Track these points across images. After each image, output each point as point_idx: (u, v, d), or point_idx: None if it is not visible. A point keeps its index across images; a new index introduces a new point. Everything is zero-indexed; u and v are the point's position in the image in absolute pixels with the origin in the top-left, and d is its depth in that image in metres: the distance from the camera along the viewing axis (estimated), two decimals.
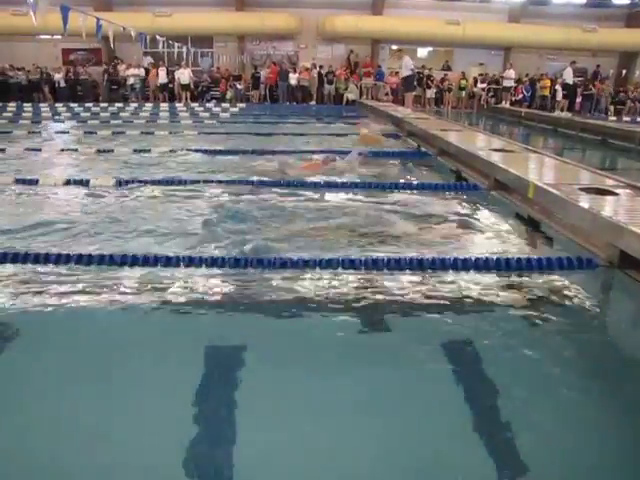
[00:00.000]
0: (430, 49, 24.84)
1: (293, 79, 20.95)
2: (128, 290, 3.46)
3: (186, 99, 20.31)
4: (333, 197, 5.82)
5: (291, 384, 2.47)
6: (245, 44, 23.48)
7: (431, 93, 22.17)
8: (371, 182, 6.44)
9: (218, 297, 3.43)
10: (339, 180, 6.48)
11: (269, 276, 3.61)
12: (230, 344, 2.82)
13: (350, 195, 5.88)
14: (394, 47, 23.28)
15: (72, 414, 2.24)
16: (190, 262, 3.81)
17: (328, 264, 3.73)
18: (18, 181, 6.34)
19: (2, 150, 9.04)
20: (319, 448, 2.08)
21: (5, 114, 15.86)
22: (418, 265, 3.74)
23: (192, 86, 20.79)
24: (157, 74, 20.63)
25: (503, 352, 2.79)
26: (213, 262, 3.79)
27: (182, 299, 3.32)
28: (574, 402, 2.38)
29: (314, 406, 2.31)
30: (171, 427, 2.16)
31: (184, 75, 20.37)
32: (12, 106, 17.87)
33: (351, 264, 3.72)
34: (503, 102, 21.25)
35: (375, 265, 3.73)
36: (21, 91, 20.52)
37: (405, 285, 3.53)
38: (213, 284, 3.56)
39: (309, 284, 3.53)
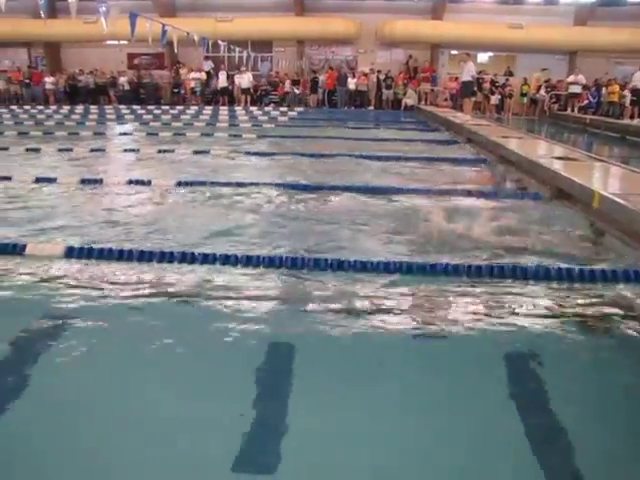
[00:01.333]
0: (491, 54, 24.37)
1: (351, 84, 20.96)
2: (185, 287, 3.52)
3: (245, 103, 20.62)
4: (392, 201, 5.78)
5: (340, 387, 2.45)
6: (304, 49, 23.66)
7: (495, 99, 21.59)
8: (429, 188, 6.36)
9: (275, 296, 3.44)
10: (397, 185, 6.43)
11: (326, 277, 3.60)
12: (284, 343, 2.82)
13: (409, 200, 5.82)
14: (454, 52, 22.97)
15: (143, 411, 2.29)
16: (248, 261, 3.85)
17: (385, 267, 3.69)
18: (84, 181, 6.57)
19: (70, 150, 9.41)
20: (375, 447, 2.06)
21: (73, 116, 16.51)
22: (476, 273, 3.66)
23: (252, 90, 21.10)
24: (217, 78, 21.04)
25: (564, 366, 2.68)
26: (270, 261, 3.83)
27: (240, 297, 3.34)
28: None
29: (360, 410, 2.29)
30: (224, 424, 2.17)
31: (244, 79, 20.68)
32: (80, 109, 18.60)
33: (409, 269, 3.67)
34: (569, 109, 20.41)
35: (433, 271, 3.67)
36: (88, 94, 21.33)
37: (463, 293, 3.45)
38: (270, 284, 3.59)
39: (365, 286, 3.50)
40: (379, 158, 8.37)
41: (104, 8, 10.03)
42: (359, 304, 3.26)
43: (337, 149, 9.36)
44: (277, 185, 6.31)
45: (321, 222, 5.01)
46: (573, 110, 20.20)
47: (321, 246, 4.31)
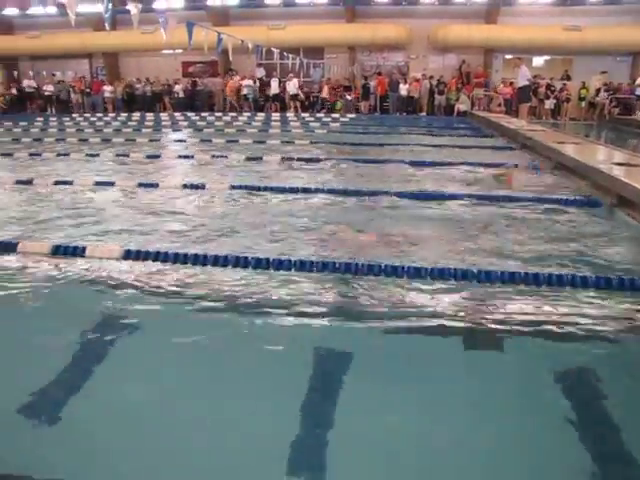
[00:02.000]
0: (547, 57, 23.77)
1: (403, 90, 20.84)
2: (239, 291, 3.55)
3: (295, 109, 20.78)
4: (446, 207, 5.70)
5: (393, 389, 2.42)
6: (355, 55, 23.69)
7: (550, 104, 21.00)
8: (484, 194, 6.24)
9: (328, 301, 3.43)
10: (450, 191, 6.34)
11: (378, 282, 3.57)
12: (335, 350, 2.82)
13: (463, 206, 5.73)
14: (508, 56, 22.52)
15: (206, 412, 2.32)
16: (302, 266, 3.85)
17: (440, 274, 3.64)
18: (140, 185, 6.74)
19: (126, 156, 9.69)
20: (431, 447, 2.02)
21: (130, 123, 17.00)
22: (534, 280, 3.56)
23: (301, 96, 21.23)
24: (269, 84, 21.29)
25: (623, 381, 2.58)
26: (324, 266, 3.82)
27: (294, 302, 3.36)
28: None
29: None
30: (279, 426, 2.17)
31: (290, 85, 20.85)
32: (136, 116, 19.15)
33: (463, 275, 3.60)
34: (635, 113, 19.50)
35: (488, 278, 3.59)
36: (144, 102, 21.94)
37: (519, 301, 3.36)
38: (323, 288, 3.58)
39: (419, 293, 3.45)
40: (432, 164, 8.28)
41: (163, 19, 10.36)
42: (412, 310, 3.22)
43: (389, 155, 9.31)
44: (329, 191, 6.31)
45: (374, 228, 4.99)
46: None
47: (374, 252, 4.29)
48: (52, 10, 21.08)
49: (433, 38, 22.31)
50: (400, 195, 6.08)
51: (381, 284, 3.57)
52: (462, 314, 3.20)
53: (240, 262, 3.98)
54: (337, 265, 3.82)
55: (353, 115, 19.25)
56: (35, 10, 21.80)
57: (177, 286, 3.67)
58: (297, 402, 2.31)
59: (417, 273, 3.66)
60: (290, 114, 19.42)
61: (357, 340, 2.92)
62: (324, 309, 3.29)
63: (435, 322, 3.07)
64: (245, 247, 4.39)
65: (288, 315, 3.19)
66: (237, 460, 2.02)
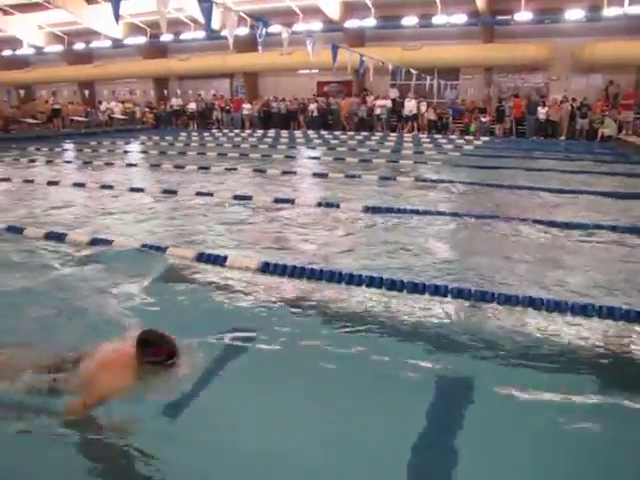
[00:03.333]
0: None
1: (542, 113, 19.90)
2: (368, 310, 3.56)
3: (417, 129, 20.47)
4: (585, 238, 5.34)
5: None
6: (492, 76, 23.05)
7: None
8: (631, 226, 5.75)
9: (438, 324, 3.37)
10: (589, 221, 5.92)
11: (491, 309, 3.52)
12: (448, 372, 2.76)
13: (603, 237, 5.34)
14: None
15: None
16: (414, 288, 3.84)
17: (556, 306, 3.49)
18: (277, 200, 6.94)
19: (263, 172, 10.05)
20: None
21: (266, 139, 17.71)
22: None
23: (434, 117, 20.92)
24: (403, 105, 21.23)
25: None
26: (436, 290, 3.78)
27: (405, 322, 3.38)
28: None
29: None
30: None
31: (410, 105, 20.66)
32: (272, 133, 19.93)
33: (582, 310, 3.42)
34: None
35: (622, 315, 3.33)
36: (280, 120, 22.77)
37: None
38: (433, 312, 3.55)
39: (553, 325, 3.30)
40: (572, 191, 7.78)
41: (310, 41, 10.80)
42: (526, 340, 3.11)
43: (523, 180, 8.87)
44: (460, 215, 6.15)
45: (499, 254, 4.82)
46: None
47: (495, 278, 4.17)
48: (200, 35, 22.64)
49: (578, 57, 21.06)
50: (533, 221, 5.83)
51: (492, 311, 3.49)
52: (584, 350, 3.00)
53: (374, 282, 3.97)
54: (449, 289, 3.75)
55: (487, 138, 18.69)
56: (186, 35, 23.56)
57: (309, 300, 3.74)
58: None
59: (531, 303, 3.54)
60: (423, 135, 19.24)
61: (483, 370, 2.80)
62: (435, 332, 3.24)
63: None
64: (376, 267, 4.38)
65: (415, 339, 3.15)
66: None
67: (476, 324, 3.36)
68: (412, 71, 16.94)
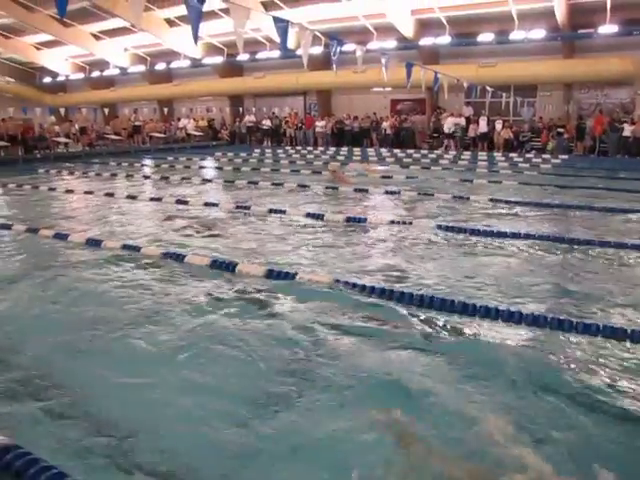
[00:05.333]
0: None
1: (627, 130, 19.01)
2: (444, 333, 3.44)
3: (488, 149, 19.98)
4: None
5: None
6: (572, 92, 22.27)
7: None
8: None
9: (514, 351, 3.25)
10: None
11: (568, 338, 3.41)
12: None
13: None
14: None
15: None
16: (486, 313, 3.75)
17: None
18: (349, 219, 6.90)
19: (335, 189, 10.07)
20: None
21: (338, 157, 17.78)
22: None
23: (510, 136, 20.39)
24: (477, 123, 20.85)
25: None
26: (510, 316, 3.68)
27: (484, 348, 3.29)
28: None
29: None
30: None
31: (482, 123, 20.27)
32: (344, 150, 20.03)
33: None
34: None
35: None
36: (352, 137, 22.85)
37: None
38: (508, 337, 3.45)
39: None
40: None
41: (386, 59, 10.82)
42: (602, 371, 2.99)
43: (606, 201, 8.41)
44: (539, 237, 5.91)
45: (581, 281, 4.59)
46: None
47: (575, 305, 4.01)
48: (275, 54, 23.12)
49: None
50: (619, 246, 5.56)
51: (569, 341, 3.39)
52: None
53: (455, 307, 3.87)
54: (524, 316, 3.64)
55: (566, 156, 18.00)
56: (261, 54, 24.11)
57: (377, 321, 3.69)
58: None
59: (613, 333, 3.42)
60: (497, 154, 18.78)
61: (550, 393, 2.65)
62: (514, 359, 3.11)
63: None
64: (450, 291, 4.26)
65: (491, 361, 3.09)
66: None
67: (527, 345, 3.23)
68: (487, 88, 16.59)
